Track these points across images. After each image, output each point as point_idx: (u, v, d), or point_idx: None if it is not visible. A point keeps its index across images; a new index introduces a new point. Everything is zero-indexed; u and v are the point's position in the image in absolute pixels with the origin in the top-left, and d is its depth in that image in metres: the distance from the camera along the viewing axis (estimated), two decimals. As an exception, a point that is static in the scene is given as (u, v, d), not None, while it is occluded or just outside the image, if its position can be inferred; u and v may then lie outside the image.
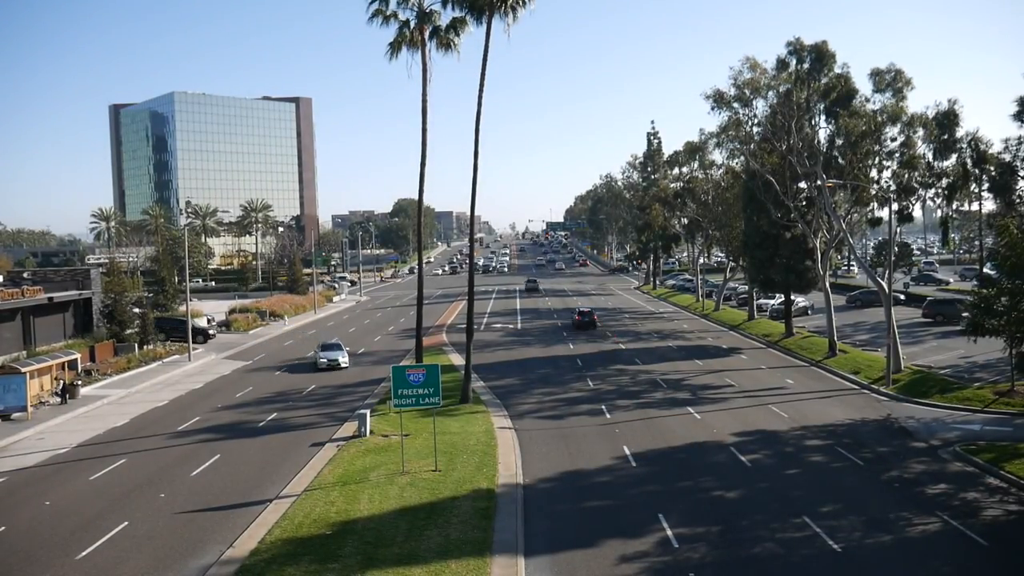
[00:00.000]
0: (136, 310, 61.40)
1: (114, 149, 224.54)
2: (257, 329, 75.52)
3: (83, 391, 44.26)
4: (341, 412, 38.70)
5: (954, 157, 45.64)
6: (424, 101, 40.57)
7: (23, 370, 39.98)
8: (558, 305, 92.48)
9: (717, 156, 73.50)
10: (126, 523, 23.81)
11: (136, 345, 56.51)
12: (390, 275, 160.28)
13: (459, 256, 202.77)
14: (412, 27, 40.39)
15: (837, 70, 49.22)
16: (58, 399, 42.36)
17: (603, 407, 38.38)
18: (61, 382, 43.28)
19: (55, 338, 56.73)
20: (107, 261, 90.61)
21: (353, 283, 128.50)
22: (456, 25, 40.62)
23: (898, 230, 53.48)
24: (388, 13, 40.10)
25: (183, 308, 69.91)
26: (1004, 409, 35.04)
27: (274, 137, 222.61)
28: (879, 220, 52.74)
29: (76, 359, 47.13)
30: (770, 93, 52.91)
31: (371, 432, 33.22)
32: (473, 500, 24.64)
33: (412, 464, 28.18)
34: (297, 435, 34.59)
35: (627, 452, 30.47)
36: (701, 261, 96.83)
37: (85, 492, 27.32)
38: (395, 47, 40.54)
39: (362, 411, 34.76)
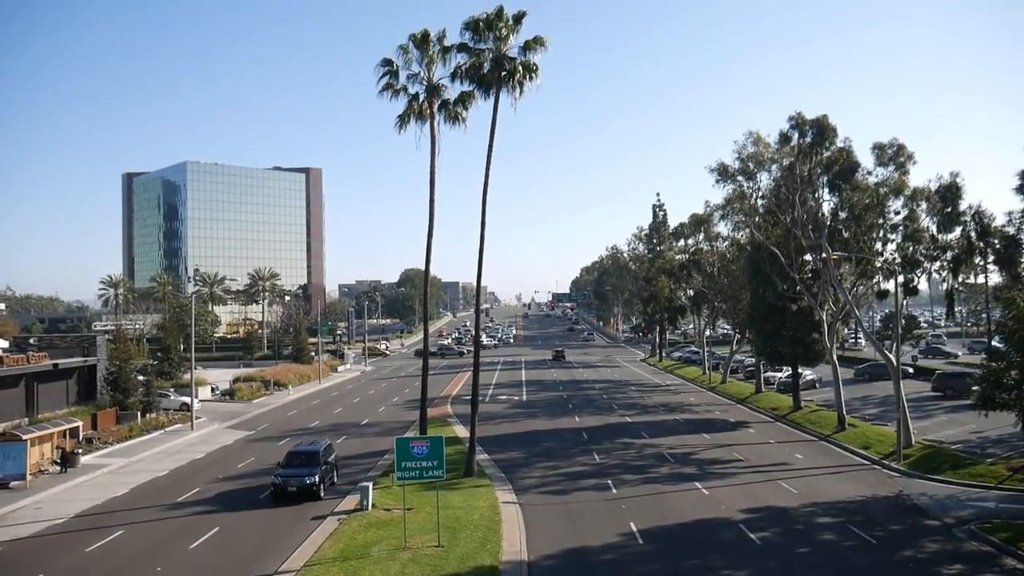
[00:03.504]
0: (140, 378, 61.25)
1: (125, 216, 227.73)
2: (261, 398, 75.09)
3: (83, 459, 43.80)
4: (343, 484, 38.07)
5: (958, 230, 45.84)
6: (432, 172, 41.11)
7: (24, 437, 39.65)
8: (564, 377, 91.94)
9: (722, 228, 74.18)
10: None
11: (139, 413, 56.15)
12: (397, 345, 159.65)
13: (465, 326, 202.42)
14: (421, 100, 41.16)
15: (839, 144, 49.81)
16: (58, 467, 41.90)
17: (609, 482, 37.74)
18: (61, 450, 42.86)
19: (58, 405, 56.43)
20: (113, 328, 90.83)
21: (378, 350, 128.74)
22: (464, 99, 41.40)
23: (905, 302, 53.39)
24: (398, 87, 40.94)
25: (187, 376, 69.71)
26: (1019, 486, 34.34)
27: (284, 207, 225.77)
28: (886, 293, 52.70)
29: (78, 427, 46.78)
30: (773, 166, 53.63)
31: (373, 505, 32.64)
32: (476, 577, 24.03)
33: (414, 539, 27.59)
34: (298, 508, 33.96)
35: (634, 529, 29.82)
36: (707, 333, 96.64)
37: (81, 565, 26.75)
38: (404, 119, 41.27)
39: (364, 484, 34.23)
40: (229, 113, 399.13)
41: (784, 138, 52.15)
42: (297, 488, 34.26)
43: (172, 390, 70.05)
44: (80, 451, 44.44)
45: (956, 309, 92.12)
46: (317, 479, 34.76)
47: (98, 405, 57.09)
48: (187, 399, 64.89)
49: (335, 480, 37.57)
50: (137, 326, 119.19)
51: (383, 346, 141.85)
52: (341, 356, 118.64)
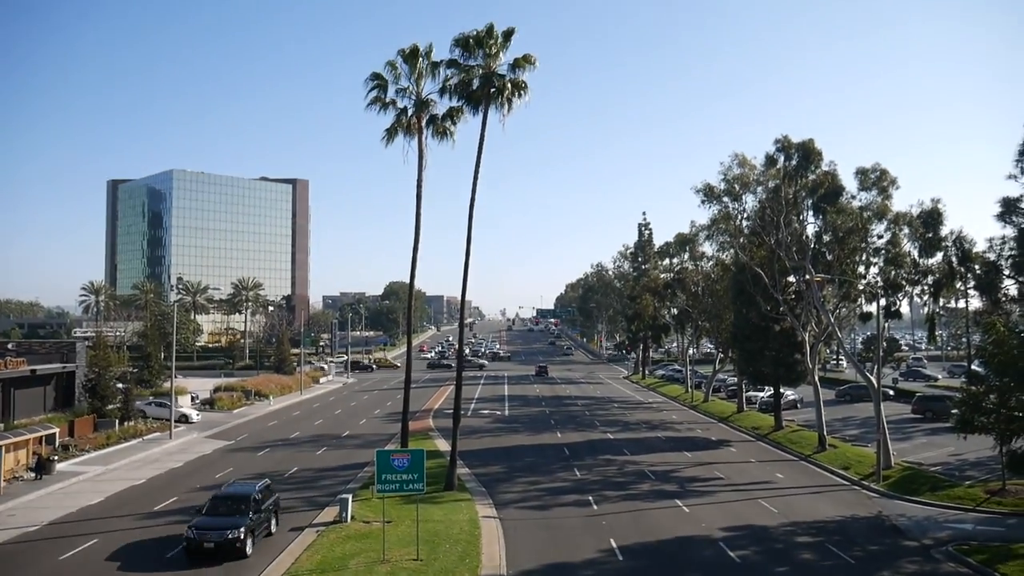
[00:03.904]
0: (120, 385, 60.59)
1: (109, 224, 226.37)
2: (241, 408, 74.53)
3: (59, 467, 43.24)
4: (322, 496, 37.83)
5: (939, 255, 46.36)
6: (419, 186, 41.16)
7: (-1, 444, 39.15)
8: (546, 392, 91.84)
9: (707, 248, 74.73)
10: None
11: (117, 421, 55.56)
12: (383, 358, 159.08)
13: (448, 340, 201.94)
14: (409, 115, 41.28)
15: (824, 167, 50.39)
16: (33, 474, 41.35)
17: (590, 498, 37.68)
18: (37, 457, 42.32)
19: (35, 411, 55.78)
20: (94, 335, 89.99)
21: (362, 364, 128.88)
22: (452, 114, 41.56)
23: (886, 325, 53.82)
24: (386, 101, 41.02)
25: (167, 384, 69.17)
26: (996, 508, 34.62)
27: (269, 217, 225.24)
28: (868, 315, 53.13)
29: (54, 433, 46.26)
30: (759, 188, 54.15)
31: (352, 517, 32.40)
32: (454, 591, 23.88)
33: (393, 552, 27.41)
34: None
35: (614, 545, 29.76)
36: (691, 352, 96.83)
37: (54, 573, 26.35)
38: (391, 133, 41.32)
39: (344, 496, 34.00)
40: (216, 122, 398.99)
41: (770, 160, 52.66)
42: (216, 544, 26.89)
43: (191, 401, 69.71)
44: (56, 458, 43.87)
45: (937, 333, 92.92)
46: (243, 532, 27.31)
47: (76, 412, 56.42)
48: (187, 410, 64.45)
49: (272, 530, 30.63)
50: (118, 333, 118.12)
51: (368, 360, 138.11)
52: (322, 369, 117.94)
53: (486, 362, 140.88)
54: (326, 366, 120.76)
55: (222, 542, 26.94)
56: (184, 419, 62.68)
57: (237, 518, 27.84)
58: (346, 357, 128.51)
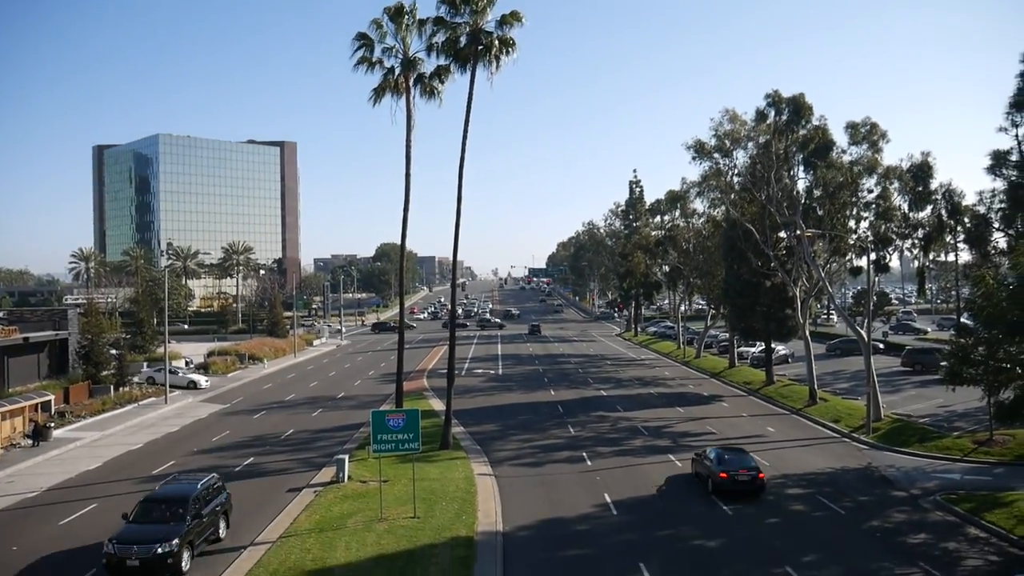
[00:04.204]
0: (113, 351, 60.71)
1: (96, 190, 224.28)
2: (236, 372, 74.74)
3: (56, 433, 43.47)
4: (319, 457, 38.17)
5: (929, 208, 46.41)
6: (408, 146, 40.83)
7: (-5, 411, 39.27)
8: (539, 351, 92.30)
9: (698, 205, 74.61)
10: (94, 570, 23.16)
11: (112, 387, 55.70)
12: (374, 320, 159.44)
13: (440, 302, 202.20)
14: (397, 74, 40.80)
15: (815, 122, 50.09)
16: (30, 441, 41.56)
17: (584, 454, 38.12)
18: (34, 424, 42.50)
19: (29, 378, 55.90)
20: (85, 302, 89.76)
21: (389, 325, 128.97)
22: (440, 73, 41.12)
23: (876, 280, 54.10)
24: (373, 60, 40.51)
25: (161, 350, 69.24)
26: (983, 458, 35.18)
27: (258, 180, 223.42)
28: (859, 270, 53.30)
29: (50, 400, 46.40)
30: (749, 144, 53.87)
31: (349, 478, 32.76)
32: (452, 548, 24.28)
33: (390, 511, 27.76)
34: (274, 480, 34.05)
35: (607, 500, 30.20)
36: (682, 308, 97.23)
37: (54, 537, 26.63)
38: (379, 93, 40.88)
39: (340, 456, 34.28)
40: (202, 85, 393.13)
41: (760, 115, 52.34)
42: (141, 562, 21.75)
43: (186, 365, 69.90)
44: (52, 425, 44.10)
45: (927, 286, 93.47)
46: (176, 545, 22.25)
47: (70, 379, 56.61)
48: (195, 376, 64.58)
49: (221, 535, 25.62)
50: (109, 300, 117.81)
51: (373, 317, 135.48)
52: (317, 332, 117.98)
53: (504, 323, 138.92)
54: (332, 327, 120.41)
55: (149, 559, 21.76)
56: (192, 385, 62.98)
57: (172, 527, 22.89)
58: (340, 319, 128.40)
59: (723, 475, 30.12)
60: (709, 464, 31.29)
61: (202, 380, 64.81)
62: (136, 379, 61.24)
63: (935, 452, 36.77)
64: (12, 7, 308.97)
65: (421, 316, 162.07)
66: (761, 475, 30.40)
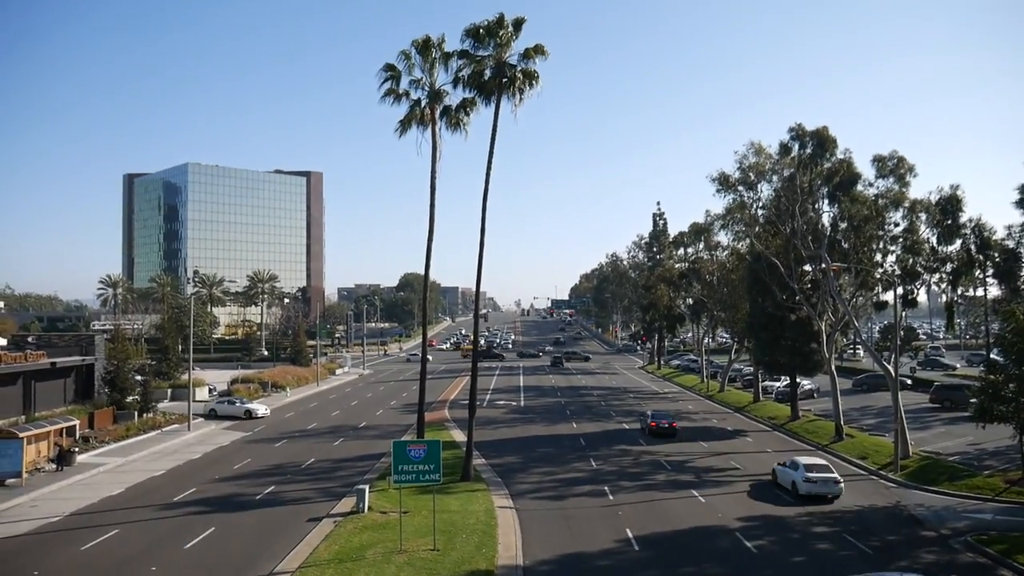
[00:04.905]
0: (138, 377, 61.20)
1: (126, 217, 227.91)
2: (259, 400, 74.95)
3: (80, 458, 43.75)
4: (339, 487, 38.07)
5: (958, 242, 45.96)
6: (433, 177, 41.14)
7: (20, 435, 39.59)
8: (562, 383, 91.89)
9: (722, 238, 74.36)
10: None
11: (136, 413, 56.08)
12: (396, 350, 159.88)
13: (462, 332, 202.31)
14: (423, 106, 41.25)
15: (839, 155, 50.04)
16: (54, 466, 41.85)
17: (605, 488, 37.72)
18: (58, 448, 42.81)
19: (55, 403, 56.44)
20: (112, 328, 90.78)
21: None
22: (466, 105, 41.50)
23: (904, 314, 53.47)
24: (400, 92, 41.01)
25: (185, 376, 69.66)
26: (1016, 498, 34.35)
27: (284, 209, 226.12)
28: (884, 304, 52.81)
29: (75, 425, 46.75)
30: (774, 177, 53.80)
31: (369, 508, 32.60)
32: (471, 581, 24.01)
33: (410, 542, 27.56)
34: (294, 509, 33.97)
35: (629, 535, 29.80)
36: (706, 342, 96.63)
37: (75, 563, 26.67)
38: (405, 124, 41.31)
39: (361, 486, 34.18)
40: (231, 115, 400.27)
41: (784, 149, 52.32)
42: None
43: (209, 393, 69.69)
44: (76, 449, 44.38)
45: (955, 321, 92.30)
46: None
47: (95, 404, 57.07)
48: (252, 406, 64.36)
49: None
50: (135, 326, 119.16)
51: (395, 347, 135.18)
52: (340, 361, 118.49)
53: (539, 354, 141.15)
54: (344, 356, 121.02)
55: None
56: (248, 415, 62.88)
57: None
58: (363, 349, 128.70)
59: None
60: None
61: (261, 409, 64.36)
62: (195, 412, 60.63)
63: (965, 491, 35.98)
64: (45, 38, 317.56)
65: (443, 347, 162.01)
66: None
